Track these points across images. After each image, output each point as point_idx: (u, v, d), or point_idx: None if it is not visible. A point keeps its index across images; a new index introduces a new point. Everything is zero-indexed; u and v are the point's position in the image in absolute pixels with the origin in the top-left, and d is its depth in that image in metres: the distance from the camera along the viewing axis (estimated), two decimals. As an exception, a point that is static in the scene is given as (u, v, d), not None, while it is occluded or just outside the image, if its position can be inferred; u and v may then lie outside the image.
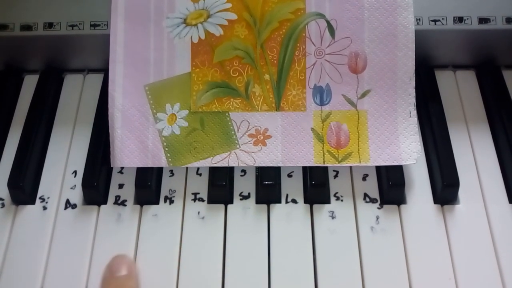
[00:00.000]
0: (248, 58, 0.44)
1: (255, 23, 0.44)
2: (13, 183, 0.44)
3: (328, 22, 0.44)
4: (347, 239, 0.41)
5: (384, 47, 0.44)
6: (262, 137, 0.44)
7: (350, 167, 0.45)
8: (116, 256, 0.40)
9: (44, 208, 0.44)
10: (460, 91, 0.49)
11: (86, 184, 0.43)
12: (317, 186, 0.43)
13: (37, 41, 0.48)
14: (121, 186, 0.45)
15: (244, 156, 0.43)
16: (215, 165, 0.43)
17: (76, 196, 0.44)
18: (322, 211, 0.43)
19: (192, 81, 0.44)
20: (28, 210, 0.44)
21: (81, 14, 0.47)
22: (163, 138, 0.44)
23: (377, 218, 0.42)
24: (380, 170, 0.44)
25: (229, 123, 0.44)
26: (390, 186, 0.42)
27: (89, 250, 0.42)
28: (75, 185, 0.45)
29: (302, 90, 0.44)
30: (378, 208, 0.43)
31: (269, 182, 0.43)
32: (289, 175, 0.44)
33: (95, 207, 0.44)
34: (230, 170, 0.44)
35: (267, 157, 0.43)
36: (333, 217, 0.42)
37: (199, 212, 0.43)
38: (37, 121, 0.47)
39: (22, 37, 0.47)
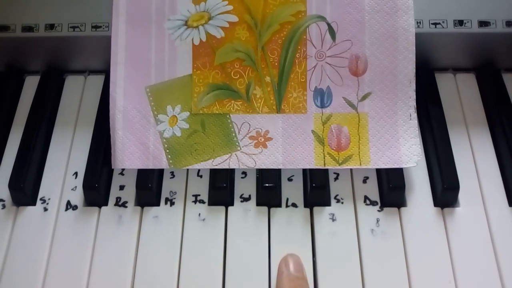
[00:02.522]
0: (249, 60, 0.44)
1: (256, 25, 0.44)
2: (14, 184, 0.44)
3: (329, 24, 0.44)
4: (347, 242, 0.42)
5: (385, 50, 0.44)
6: (262, 139, 0.44)
7: (351, 169, 0.45)
8: (292, 255, 0.40)
9: (45, 209, 0.44)
10: (460, 94, 0.49)
11: (87, 185, 0.43)
12: (317, 189, 0.43)
13: (39, 42, 0.48)
14: (122, 187, 0.45)
15: (245, 158, 0.44)
16: (216, 167, 0.44)
17: (77, 197, 0.44)
18: (323, 213, 0.43)
19: (193, 83, 0.44)
20: (29, 211, 0.44)
21: (82, 16, 0.47)
22: (164, 140, 0.44)
23: (378, 220, 0.42)
24: (381, 173, 0.44)
25: (230, 125, 0.44)
26: (391, 188, 0.42)
27: (89, 252, 0.42)
28: (76, 187, 0.45)
29: (303, 92, 0.44)
30: (378, 210, 0.43)
31: (270, 184, 0.43)
32: (290, 179, 0.44)
33: (96, 208, 0.44)
34: (230, 172, 0.44)
35: (268, 159, 0.43)
36: (333, 220, 0.42)
37: (199, 214, 0.43)
38: (38, 122, 0.47)
39: (23, 38, 0.47)
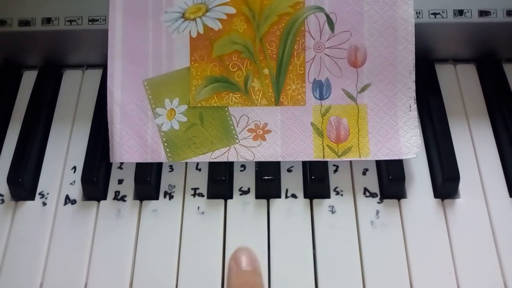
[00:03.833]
0: (247, 53, 0.44)
1: (254, 17, 0.44)
2: (12, 179, 0.44)
3: (327, 15, 0.44)
4: (347, 234, 0.41)
5: (384, 41, 0.43)
6: (261, 132, 0.44)
7: (350, 161, 0.45)
8: (241, 249, 0.37)
9: (44, 204, 0.44)
10: (460, 85, 0.48)
11: (86, 179, 0.43)
12: (317, 181, 0.43)
13: (36, 36, 0.48)
14: (120, 181, 0.45)
15: (244, 151, 0.43)
16: (215, 160, 0.43)
17: (76, 191, 0.44)
18: (322, 205, 0.43)
19: (191, 75, 0.44)
20: (28, 206, 0.44)
21: (79, 9, 0.47)
22: (162, 133, 0.44)
23: (377, 212, 0.42)
24: (380, 165, 0.44)
25: (228, 118, 0.44)
26: (390, 180, 0.42)
27: (89, 246, 0.42)
28: (74, 181, 0.45)
29: (301, 84, 0.44)
30: (378, 202, 0.43)
31: (269, 177, 0.43)
32: (289, 170, 0.44)
33: (95, 202, 0.44)
34: (229, 165, 0.44)
35: (267, 152, 0.43)
36: (333, 212, 0.42)
37: (198, 207, 0.43)
38: (36, 117, 0.47)
39: (20, 32, 0.47)
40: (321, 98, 0.44)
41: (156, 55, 0.44)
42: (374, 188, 0.43)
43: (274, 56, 0.44)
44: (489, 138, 0.46)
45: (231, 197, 0.43)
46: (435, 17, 0.46)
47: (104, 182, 0.44)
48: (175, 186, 0.44)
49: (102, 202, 0.44)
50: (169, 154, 0.44)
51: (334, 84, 0.44)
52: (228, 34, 0.44)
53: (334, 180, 0.44)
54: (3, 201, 0.44)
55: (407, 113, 0.43)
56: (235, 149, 0.43)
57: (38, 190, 0.44)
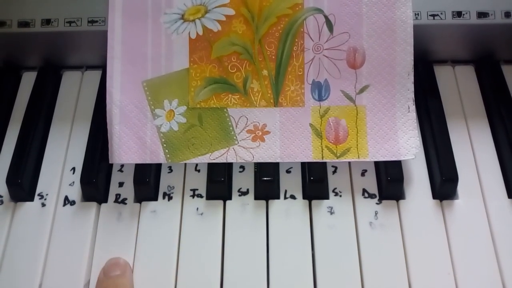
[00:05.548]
0: (246, 54, 0.44)
1: (253, 19, 0.44)
2: (11, 180, 0.44)
3: (326, 17, 0.44)
4: (346, 235, 0.41)
5: (383, 42, 0.43)
6: (260, 133, 0.44)
7: (349, 162, 0.45)
8: (110, 259, 0.40)
9: (43, 205, 0.44)
10: (459, 86, 0.49)
11: (85, 180, 0.43)
12: (315, 182, 0.43)
13: (35, 37, 0.48)
14: (121, 184, 0.45)
15: (243, 152, 0.43)
16: (214, 161, 0.43)
17: (75, 192, 0.44)
18: (321, 206, 0.43)
19: (190, 77, 0.44)
20: (27, 207, 0.44)
21: (78, 11, 0.47)
22: (161, 134, 0.44)
23: (376, 213, 0.42)
24: (379, 166, 0.44)
25: (227, 119, 0.44)
26: (389, 181, 0.42)
27: (88, 247, 0.42)
28: (73, 182, 0.45)
29: (300, 85, 0.44)
30: (377, 203, 0.43)
31: (268, 178, 0.43)
32: (288, 171, 0.44)
33: (94, 203, 0.44)
34: (228, 166, 0.44)
35: (266, 153, 0.43)
36: (331, 213, 0.42)
37: (197, 208, 0.43)
38: (36, 118, 0.47)
39: (19, 33, 0.47)
40: (320, 99, 0.44)
41: (155, 56, 0.44)
42: (373, 189, 0.43)
43: (273, 57, 0.44)
44: (487, 139, 0.46)
45: (230, 198, 0.43)
46: (434, 18, 0.46)
47: (103, 183, 0.44)
48: (174, 187, 0.44)
49: (103, 205, 0.44)
50: (168, 155, 0.44)
51: (333, 85, 0.44)
52: (227, 36, 0.44)
53: (333, 181, 0.44)
54: (2, 202, 0.44)
55: (405, 114, 0.43)
56: (234, 150, 0.43)
57: (37, 191, 0.44)
